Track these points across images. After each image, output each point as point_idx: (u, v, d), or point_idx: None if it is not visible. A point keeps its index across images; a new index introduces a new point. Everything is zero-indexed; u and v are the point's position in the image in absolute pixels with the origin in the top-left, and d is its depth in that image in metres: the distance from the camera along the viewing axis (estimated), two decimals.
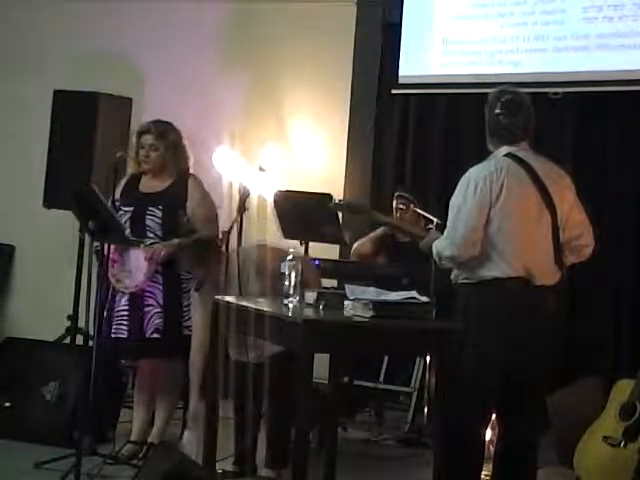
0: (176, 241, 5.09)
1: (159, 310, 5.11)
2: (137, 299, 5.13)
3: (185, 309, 5.15)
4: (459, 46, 6.79)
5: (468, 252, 4.19)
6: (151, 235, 5.13)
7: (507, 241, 4.19)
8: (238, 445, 5.07)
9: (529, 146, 4.35)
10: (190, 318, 5.14)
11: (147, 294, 5.12)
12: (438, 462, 4.19)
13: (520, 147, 4.31)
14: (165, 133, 5.23)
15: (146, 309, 5.12)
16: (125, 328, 5.14)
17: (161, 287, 5.12)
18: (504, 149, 4.31)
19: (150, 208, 5.15)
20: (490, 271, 4.20)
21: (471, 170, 4.31)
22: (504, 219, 4.19)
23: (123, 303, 5.15)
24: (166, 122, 5.30)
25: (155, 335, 5.10)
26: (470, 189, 4.21)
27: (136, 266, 5.10)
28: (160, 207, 5.15)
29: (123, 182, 5.33)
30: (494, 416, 4.38)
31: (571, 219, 4.29)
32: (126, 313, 5.14)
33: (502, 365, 4.17)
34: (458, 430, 4.16)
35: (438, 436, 4.38)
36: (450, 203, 4.31)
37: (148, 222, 5.14)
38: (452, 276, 4.34)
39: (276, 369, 4.84)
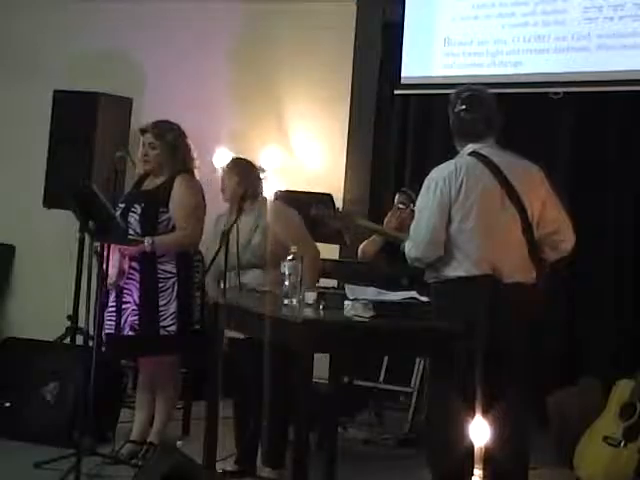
0: (147, 238, 5.06)
1: (135, 308, 5.09)
2: (119, 296, 5.13)
3: (162, 308, 5.07)
4: (460, 47, 6.79)
5: (432, 253, 4.20)
6: (131, 232, 5.10)
7: (469, 240, 4.17)
8: (239, 443, 5.06)
9: (495, 143, 4.32)
10: (168, 317, 5.07)
11: (126, 291, 5.11)
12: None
13: (485, 144, 4.29)
14: (163, 133, 5.21)
15: (124, 306, 5.11)
16: (112, 324, 5.14)
17: (138, 285, 5.11)
18: (469, 147, 4.30)
19: (134, 205, 5.14)
20: (455, 270, 4.19)
21: (433, 170, 4.32)
22: (465, 218, 4.18)
23: (112, 300, 5.15)
24: (169, 122, 5.28)
25: (130, 332, 5.09)
26: (430, 190, 4.23)
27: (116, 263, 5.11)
28: (142, 205, 5.14)
29: (134, 181, 5.36)
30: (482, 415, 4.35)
31: (545, 215, 4.26)
32: (112, 309, 5.15)
33: (474, 363, 4.11)
34: (443, 429, 4.15)
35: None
36: (416, 205, 4.31)
37: (130, 219, 5.11)
38: (425, 276, 4.34)
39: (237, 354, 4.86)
